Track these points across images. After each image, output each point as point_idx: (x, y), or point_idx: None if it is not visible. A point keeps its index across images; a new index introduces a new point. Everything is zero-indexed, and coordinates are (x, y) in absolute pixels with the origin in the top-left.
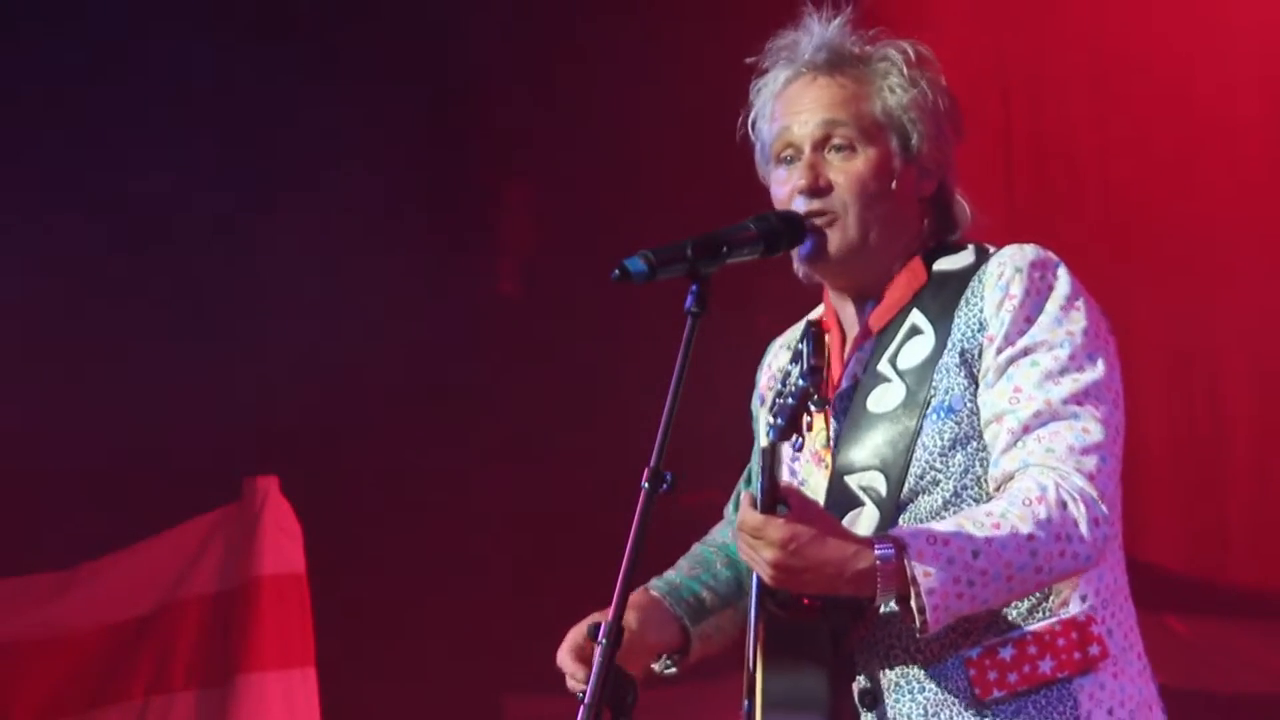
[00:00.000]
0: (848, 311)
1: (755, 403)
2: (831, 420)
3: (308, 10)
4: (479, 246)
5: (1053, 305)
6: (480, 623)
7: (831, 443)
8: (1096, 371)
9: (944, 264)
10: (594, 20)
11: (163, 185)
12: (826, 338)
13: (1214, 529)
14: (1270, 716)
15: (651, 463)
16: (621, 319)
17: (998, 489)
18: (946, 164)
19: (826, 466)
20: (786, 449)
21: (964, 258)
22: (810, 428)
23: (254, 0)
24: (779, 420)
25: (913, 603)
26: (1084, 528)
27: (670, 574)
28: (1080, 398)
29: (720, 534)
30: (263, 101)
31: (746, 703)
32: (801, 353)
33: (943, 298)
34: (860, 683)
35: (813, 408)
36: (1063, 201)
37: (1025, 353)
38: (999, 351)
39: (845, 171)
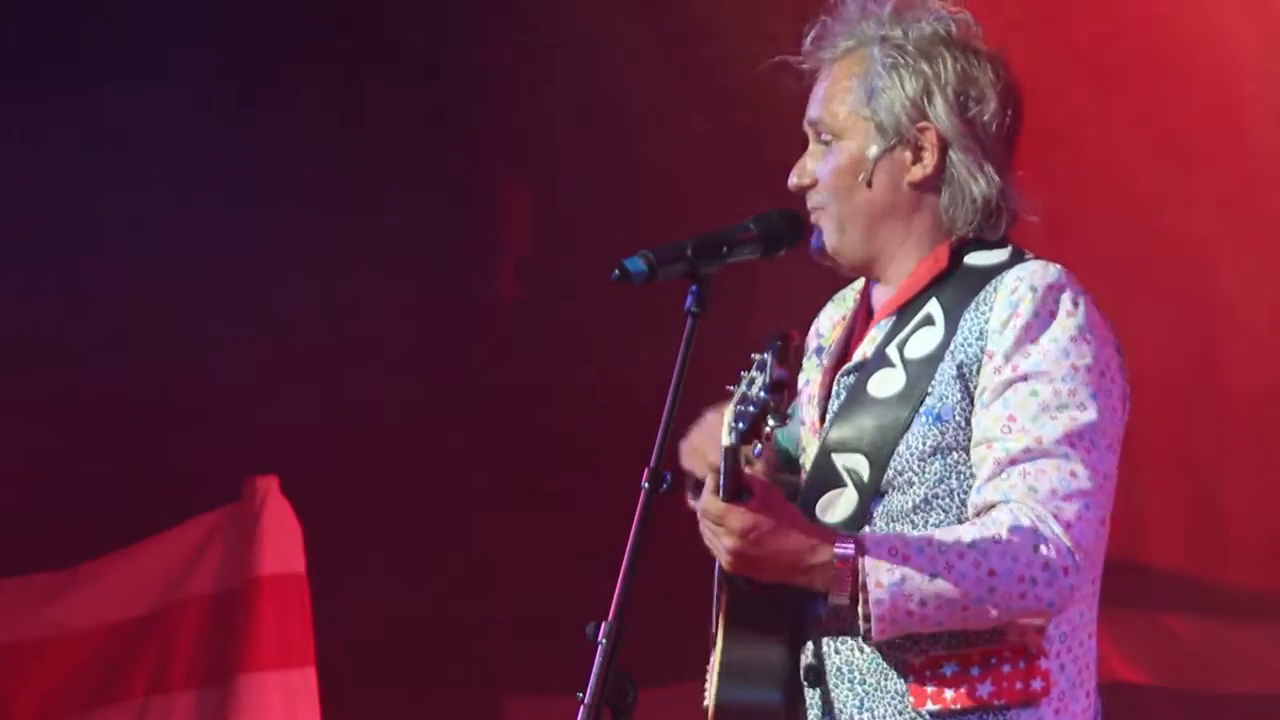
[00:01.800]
0: (871, 290)
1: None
2: (833, 395)
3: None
4: (479, 246)
5: (1062, 333)
6: (480, 623)
7: (827, 418)
8: (1095, 413)
9: (975, 259)
10: (594, 19)
11: (164, 202)
12: (800, 344)
13: (1214, 529)
14: (1270, 716)
15: (651, 463)
16: (621, 319)
17: (975, 515)
18: (954, 142)
19: (820, 438)
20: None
21: (996, 256)
22: (769, 438)
23: None
24: (740, 425)
25: (859, 609)
26: (1051, 575)
27: None
28: (1073, 439)
29: None
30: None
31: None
32: (766, 362)
33: (960, 291)
34: (807, 658)
35: (772, 421)
36: (1063, 197)
37: (1025, 379)
38: (997, 371)
39: (823, 166)
